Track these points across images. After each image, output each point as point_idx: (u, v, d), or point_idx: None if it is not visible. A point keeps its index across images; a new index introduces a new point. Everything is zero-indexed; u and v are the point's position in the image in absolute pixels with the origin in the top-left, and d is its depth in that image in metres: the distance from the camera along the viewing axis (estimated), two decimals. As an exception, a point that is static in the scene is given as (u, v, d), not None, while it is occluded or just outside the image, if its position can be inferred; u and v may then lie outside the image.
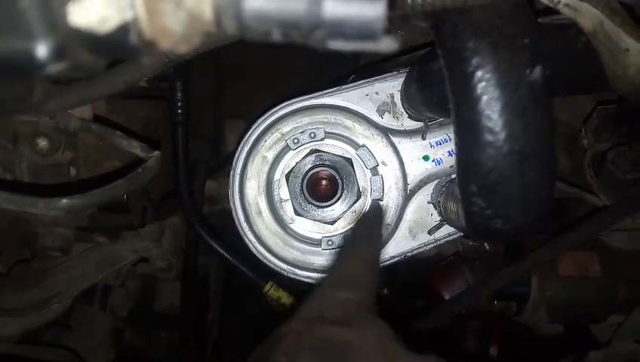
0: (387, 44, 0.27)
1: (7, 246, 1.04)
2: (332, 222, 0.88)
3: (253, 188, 0.87)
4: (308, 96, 0.88)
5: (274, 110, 0.87)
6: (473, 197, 0.58)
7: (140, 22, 0.23)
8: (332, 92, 0.89)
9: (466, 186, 0.58)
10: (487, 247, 0.96)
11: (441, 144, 0.90)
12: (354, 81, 0.91)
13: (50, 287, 1.01)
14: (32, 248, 0.94)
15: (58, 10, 0.23)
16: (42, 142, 0.70)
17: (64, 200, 0.49)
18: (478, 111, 0.53)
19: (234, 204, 0.87)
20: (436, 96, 0.72)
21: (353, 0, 0.26)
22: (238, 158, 0.86)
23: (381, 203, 0.89)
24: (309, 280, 0.87)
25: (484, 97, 0.53)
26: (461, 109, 0.55)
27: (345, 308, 0.62)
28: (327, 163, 0.88)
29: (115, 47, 0.24)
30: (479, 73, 0.53)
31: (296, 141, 0.87)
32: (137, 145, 0.57)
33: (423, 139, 0.89)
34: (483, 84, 0.53)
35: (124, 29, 0.23)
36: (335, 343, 0.55)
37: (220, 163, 1.23)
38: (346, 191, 0.88)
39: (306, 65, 1.12)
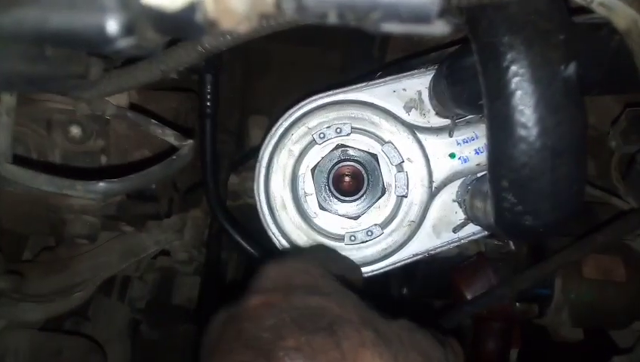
0: (440, 28, 0.28)
1: (34, 232, 1.06)
2: (356, 218, 0.88)
3: (279, 182, 0.88)
4: (335, 91, 0.89)
5: (301, 104, 0.88)
6: (504, 193, 0.58)
7: (206, 1, 0.23)
8: (359, 88, 0.89)
9: (498, 181, 0.58)
10: (513, 247, 0.96)
11: (467, 142, 0.89)
12: (381, 78, 0.91)
13: (75, 275, 1.03)
14: (59, 235, 0.95)
15: (130, -13, 0.23)
16: (75, 130, 0.71)
17: (102, 184, 0.50)
18: (512, 106, 0.54)
19: (259, 196, 0.87)
20: (466, 92, 0.72)
21: (408, -18, 0.27)
22: (264, 151, 0.87)
23: (406, 199, 0.89)
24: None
25: (518, 92, 0.53)
26: (494, 104, 0.55)
27: (311, 275, 0.60)
28: (352, 158, 0.89)
29: (181, 26, 0.24)
30: (514, 68, 0.53)
31: (322, 135, 0.87)
32: (171, 134, 0.58)
33: (450, 136, 0.88)
34: (517, 78, 0.53)
35: (190, 8, 0.24)
36: (317, 313, 0.54)
37: (244, 157, 1.24)
38: (370, 186, 0.88)
39: (332, 62, 1.13)
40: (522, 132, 0.54)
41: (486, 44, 0.56)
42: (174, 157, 0.56)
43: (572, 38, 0.56)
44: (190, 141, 0.58)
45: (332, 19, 0.28)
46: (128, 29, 0.24)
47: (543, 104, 0.53)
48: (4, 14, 0.24)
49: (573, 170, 0.55)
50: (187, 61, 0.62)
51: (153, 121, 0.58)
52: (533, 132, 0.54)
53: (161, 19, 0.24)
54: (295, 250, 0.84)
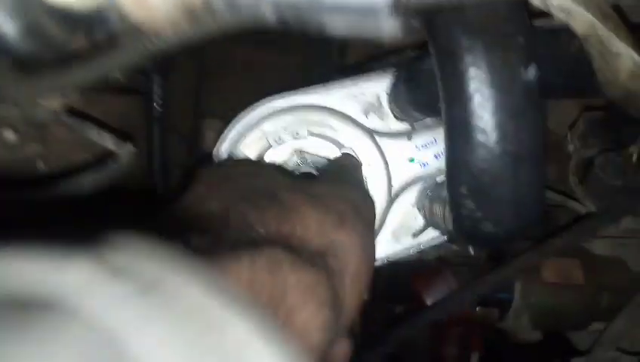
0: (390, 26, 0.25)
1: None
2: (314, 224, 0.85)
3: (233, 188, 0.84)
4: (291, 93, 0.86)
5: (255, 106, 0.84)
6: (463, 199, 0.56)
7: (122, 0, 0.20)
8: (316, 91, 0.87)
9: (456, 188, 0.56)
10: (472, 252, 0.95)
11: (427, 146, 0.88)
12: (339, 81, 0.88)
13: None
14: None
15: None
16: (9, 135, 0.66)
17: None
18: (470, 111, 0.52)
19: (212, 202, 0.83)
20: (425, 96, 0.71)
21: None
22: (216, 156, 0.83)
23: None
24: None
25: (477, 96, 0.51)
26: (452, 109, 0.53)
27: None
28: (309, 163, 0.86)
29: (94, 28, 0.21)
30: (472, 71, 0.51)
31: (278, 139, 0.84)
32: (109, 138, 0.54)
33: (409, 140, 0.87)
34: (476, 82, 0.51)
35: (104, 7, 0.20)
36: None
37: (197, 162, 1.20)
38: (328, 192, 0.86)
39: (291, 64, 1.10)
40: (481, 137, 0.52)
41: (444, 47, 0.54)
42: (111, 164, 0.52)
43: (532, 41, 0.55)
44: (128, 145, 0.54)
45: (270, 18, 0.25)
46: (28, 31, 0.21)
47: (502, 108, 0.51)
48: None
49: (533, 175, 0.54)
50: (127, 62, 0.58)
51: (90, 124, 0.54)
52: (493, 137, 0.52)
53: (70, 19, 0.21)
54: None
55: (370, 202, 0.69)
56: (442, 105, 0.55)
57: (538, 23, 0.63)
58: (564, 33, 0.62)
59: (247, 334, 0.29)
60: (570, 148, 0.97)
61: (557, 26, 0.62)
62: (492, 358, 1.12)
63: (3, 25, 0.21)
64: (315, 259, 0.47)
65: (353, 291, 0.50)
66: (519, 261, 0.84)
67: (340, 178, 0.74)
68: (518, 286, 0.96)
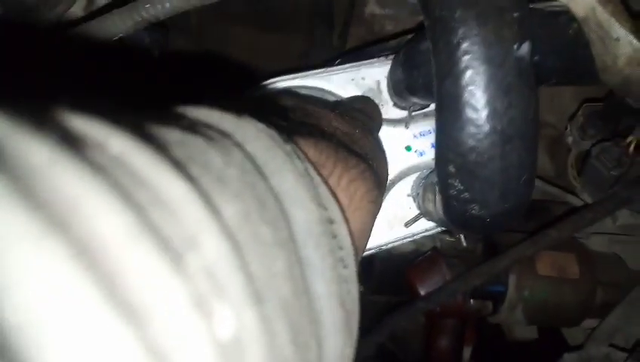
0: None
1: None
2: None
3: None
4: (291, 76, 0.85)
5: (254, 88, 0.84)
6: (450, 179, 0.55)
7: None
8: (317, 73, 0.86)
9: (444, 167, 0.55)
10: (464, 243, 0.94)
11: (424, 135, 0.87)
12: (340, 65, 0.88)
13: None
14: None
15: None
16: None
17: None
18: (461, 86, 0.51)
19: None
20: (421, 77, 0.70)
21: None
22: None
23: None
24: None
25: (469, 71, 0.51)
26: (444, 83, 0.53)
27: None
28: (306, 146, 0.85)
29: None
30: (465, 45, 0.51)
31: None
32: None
33: (406, 128, 0.86)
34: (468, 56, 0.51)
35: None
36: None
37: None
38: (323, 176, 0.85)
39: (292, 49, 1.10)
40: (471, 114, 0.51)
41: (437, 19, 0.53)
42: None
43: (529, 20, 0.54)
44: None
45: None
46: None
47: (493, 84, 0.51)
48: None
49: (523, 156, 0.53)
50: (123, 30, 0.58)
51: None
52: (483, 114, 0.51)
53: None
54: None
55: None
56: (434, 81, 0.55)
57: (537, 5, 0.63)
58: (563, 15, 0.61)
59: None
60: (569, 140, 0.96)
61: (557, 8, 0.62)
62: (485, 353, 1.11)
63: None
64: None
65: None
66: (514, 252, 0.83)
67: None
68: (512, 279, 0.95)
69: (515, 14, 0.52)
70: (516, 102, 0.51)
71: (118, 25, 0.59)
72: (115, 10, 0.59)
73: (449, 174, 0.55)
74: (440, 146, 0.56)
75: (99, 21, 0.60)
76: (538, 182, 0.99)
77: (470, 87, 0.51)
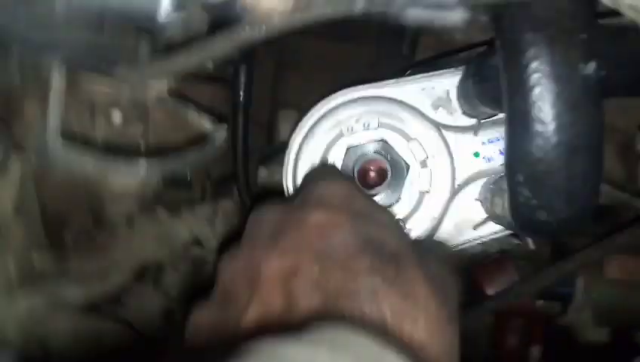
0: (459, 15, 0.30)
1: (74, 215, 1.12)
2: (379, 210, 0.91)
3: (306, 171, 0.91)
4: (365, 86, 0.91)
5: (332, 97, 0.90)
6: (519, 187, 0.60)
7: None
8: (389, 84, 0.91)
9: (513, 175, 0.60)
10: (532, 246, 0.96)
11: (492, 142, 0.91)
12: (411, 75, 0.93)
13: (113, 258, 1.08)
14: (98, 217, 1.00)
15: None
16: (116, 114, 0.76)
17: (144, 164, 0.54)
18: (530, 102, 0.55)
19: (287, 184, 0.90)
20: (491, 90, 0.74)
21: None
22: (293, 141, 0.90)
23: (428, 195, 0.90)
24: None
25: (537, 88, 0.55)
26: (514, 99, 0.57)
27: (370, 203, 0.65)
28: (378, 152, 0.91)
29: (225, 8, 0.28)
30: (534, 64, 0.55)
31: (350, 128, 0.90)
32: (208, 119, 0.62)
33: (475, 135, 0.90)
34: (537, 75, 0.55)
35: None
36: (379, 244, 0.57)
37: (273, 150, 1.27)
38: (394, 181, 0.90)
39: (363, 59, 1.15)
40: (539, 127, 0.56)
41: (509, 41, 0.58)
42: (210, 142, 0.60)
43: (596, 38, 0.58)
44: (223, 126, 0.62)
45: (360, 4, 0.31)
46: (179, 5, 0.28)
47: (560, 101, 0.55)
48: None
49: (588, 167, 0.57)
50: (224, 50, 0.66)
51: (192, 106, 0.62)
52: (550, 128, 0.55)
53: (208, 3, 0.27)
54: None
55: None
56: (504, 96, 0.59)
57: (607, 21, 0.65)
58: (632, 31, 0.63)
59: None
60: (638, 148, 0.97)
61: (626, 24, 0.64)
62: (554, 355, 1.12)
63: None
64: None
65: None
66: (581, 256, 0.85)
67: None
68: (580, 282, 0.97)
69: (583, 36, 0.55)
70: (582, 117, 0.55)
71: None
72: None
73: (518, 182, 0.60)
74: (510, 156, 0.61)
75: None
76: (607, 188, 1.00)
77: (539, 103, 0.55)
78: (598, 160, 0.58)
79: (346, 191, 0.64)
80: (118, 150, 0.78)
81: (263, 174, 1.31)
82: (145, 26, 0.27)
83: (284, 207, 0.62)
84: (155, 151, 0.77)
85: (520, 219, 0.64)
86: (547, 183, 0.57)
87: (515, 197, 0.61)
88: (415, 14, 0.31)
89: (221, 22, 0.28)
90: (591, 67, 0.55)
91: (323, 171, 0.74)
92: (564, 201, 0.58)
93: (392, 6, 0.31)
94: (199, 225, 1.20)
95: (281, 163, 0.95)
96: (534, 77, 0.55)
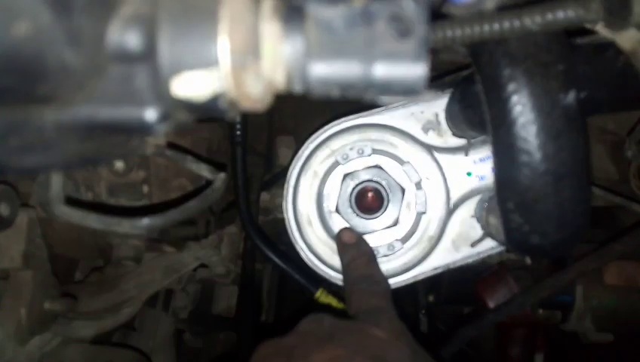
0: (428, 97, 0.33)
1: (84, 257, 1.15)
2: (377, 233, 0.93)
3: (305, 201, 0.93)
4: (357, 115, 0.94)
5: (325, 128, 0.93)
6: (511, 214, 0.62)
7: (228, 91, 0.29)
8: (379, 111, 0.94)
9: (504, 203, 0.62)
10: (529, 262, 0.98)
11: (484, 160, 0.93)
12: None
13: (122, 293, 1.11)
14: (107, 258, 1.03)
15: (164, 85, 0.29)
16: (119, 164, 0.79)
17: (146, 220, 0.56)
18: (514, 134, 0.58)
19: (287, 214, 0.93)
20: (477, 116, 0.76)
21: (398, 64, 0.32)
22: (291, 173, 0.93)
23: (425, 216, 0.92)
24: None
25: (520, 120, 0.57)
26: (498, 132, 0.60)
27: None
28: (373, 178, 0.93)
29: (207, 110, 0.30)
30: (515, 98, 0.57)
31: (345, 157, 0.92)
32: (206, 168, 0.64)
33: (466, 155, 0.92)
34: (519, 108, 0.57)
35: (215, 97, 0.29)
36: None
37: (273, 177, 1.30)
38: (391, 204, 0.93)
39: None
40: (525, 158, 0.58)
41: (488, 76, 0.60)
42: (209, 191, 0.62)
43: (573, 66, 0.60)
44: (222, 174, 0.64)
45: (335, 94, 0.34)
46: (164, 117, 0.30)
47: (544, 131, 0.57)
48: (62, 111, 0.30)
49: (575, 191, 0.59)
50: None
51: (189, 157, 0.65)
52: (536, 158, 0.57)
53: (191, 106, 0.30)
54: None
55: None
56: (489, 128, 0.61)
57: (583, 40, 0.67)
58: (610, 50, 0.65)
59: None
60: (629, 154, 0.99)
61: (602, 42, 0.66)
62: (561, 357, 1.14)
63: (145, 114, 0.30)
64: None
65: None
66: (579, 265, 0.87)
67: None
68: (579, 289, 0.99)
69: (560, 67, 0.58)
70: (566, 145, 0.58)
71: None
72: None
73: (509, 210, 0.62)
74: (499, 186, 0.63)
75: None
76: (602, 191, 1.02)
77: (523, 135, 0.57)
78: (584, 184, 0.60)
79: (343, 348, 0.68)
80: (123, 206, 0.81)
81: (264, 198, 1.34)
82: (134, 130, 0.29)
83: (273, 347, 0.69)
84: (159, 204, 0.80)
85: (514, 242, 0.66)
86: (537, 210, 0.59)
87: (508, 223, 0.64)
88: (387, 99, 0.34)
89: (206, 116, 0.31)
90: (571, 96, 0.57)
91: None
92: (555, 226, 0.60)
93: (365, 96, 0.34)
94: (205, 252, 1.22)
95: (281, 186, 0.98)
96: (516, 110, 0.57)
